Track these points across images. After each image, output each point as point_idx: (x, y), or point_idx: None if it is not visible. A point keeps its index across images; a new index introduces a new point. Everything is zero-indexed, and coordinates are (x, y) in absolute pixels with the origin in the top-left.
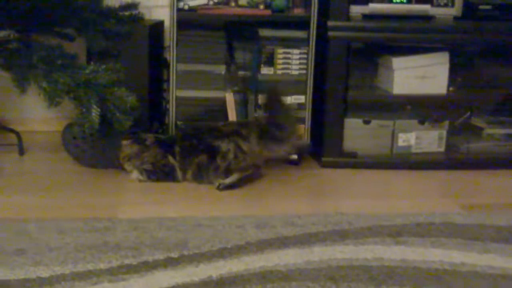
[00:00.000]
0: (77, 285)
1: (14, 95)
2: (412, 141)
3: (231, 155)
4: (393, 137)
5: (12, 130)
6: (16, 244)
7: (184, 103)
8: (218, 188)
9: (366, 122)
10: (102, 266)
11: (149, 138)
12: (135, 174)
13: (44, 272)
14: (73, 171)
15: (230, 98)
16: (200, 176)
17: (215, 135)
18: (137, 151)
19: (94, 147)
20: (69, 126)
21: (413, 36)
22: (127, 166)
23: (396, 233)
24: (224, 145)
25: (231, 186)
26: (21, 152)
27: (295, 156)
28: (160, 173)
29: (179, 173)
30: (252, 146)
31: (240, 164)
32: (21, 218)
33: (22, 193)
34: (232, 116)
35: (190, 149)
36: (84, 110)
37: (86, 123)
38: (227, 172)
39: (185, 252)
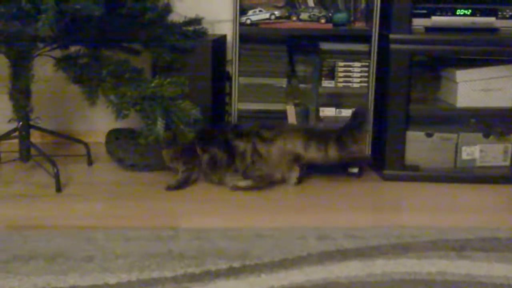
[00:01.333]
0: None
1: (83, 107)
2: (476, 155)
3: (248, 159)
4: (457, 150)
5: (81, 141)
6: (84, 251)
7: (246, 115)
8: (231, 188)
9: (429, 135)
10: (167, 274)
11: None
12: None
13: (111, 279)
14: (138, 182)
15: (291, 111)
16: (213, 168)
17: (236, 133)
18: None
19: (136, 148)
20: (112, 131)
21: (478, 49)
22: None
23: (460, 247)
24: (242, 145)
25: (244, 188)
26: (89, 162)
27: (355, 169)
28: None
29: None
30: (273, 151)
31: (256, 172)
32: (89, 226)
33: (90, 202)
34: None
35: (208, 138)
36: (149, 122)
37: (151, 135)
38: (245, 176)
39: (247, 262)
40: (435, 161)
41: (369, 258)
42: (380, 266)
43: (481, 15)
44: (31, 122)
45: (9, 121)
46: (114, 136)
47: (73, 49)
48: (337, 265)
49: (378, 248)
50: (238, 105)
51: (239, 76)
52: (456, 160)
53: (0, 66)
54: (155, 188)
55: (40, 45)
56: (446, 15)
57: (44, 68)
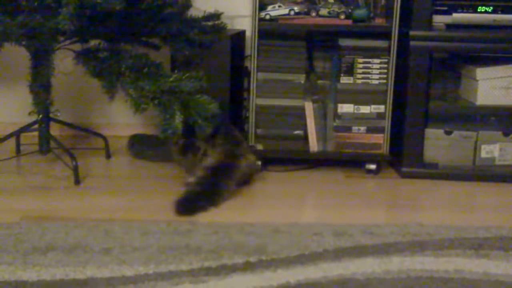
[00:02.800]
0: (160, 285)
1: (102, 101)
2: (496, 153)
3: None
4: (476, 148)
5: (100, 135)
6: (102, 243)
7: (264, 111)
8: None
9: (448, 133)
10: (184, 267)
11: None
12: None
13: (128, 271)
14: (156, 175)
15: (309, 107)
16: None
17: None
18: None
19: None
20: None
21: (499, 46)
22: None
23: (478, 245)
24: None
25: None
26: (108, 155)
27: (373, 166)
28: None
29: None
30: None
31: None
32: (107, 218)
33: (108, 195)
34: (310, 124)
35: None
36: (168, 116)
37: (170, 129)
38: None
39: (264, 257)
40: (454, 159)
41: (386, 255)
42: (397, 263)
43: (503, 13)
44: (51, 115)
45: (29, 113)
46: (136, 143)
47: (93, 43)
48: (354, 261)
49: (395, 245)
50: (256, 101)
51: (257, 71)
52: (475, 158)
53: (20, 59)
54: (174, 181)
55: (61, 38)
56: (467, 12)
57: (64, 62)
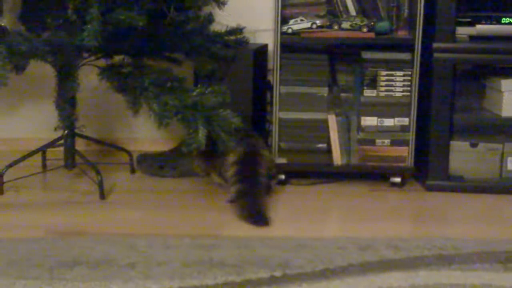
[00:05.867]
0: None
1: (126, 116)
2: None
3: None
4: (502, 161)
5: (124, 150)
6: (127, 258)
7: (287, 124)
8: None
9: (473, 145)
10: (208, 282)
11: None
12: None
13: (153, 286)
14: (180, 190)
15: (332, 120)
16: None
17: None
18: None
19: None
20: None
21: None
22: None
23: (506, 259)
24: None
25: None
26: (132, 170)
27: (397, 179)
28: None
29: None
30: None
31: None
32: (132, 233)
33: (133, 210)
34: (334, 137)
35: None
36: (191, 131)
37: (193, 144)
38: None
39: (288, 272)
40: (480, 171)
41: (412, 269)
42: (423, 278)
43: None
44: (76, 130)
45: (55, 129)
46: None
47: (116, 58)
48: (379, 275)
49: (421, 259)
50: (279, 114)
51: (280, 85)
52: (501, 170)
53: (46, 75)
54: (197, 196)
55: (85, 54)
56: (491, 23)
57: (89, 78)
